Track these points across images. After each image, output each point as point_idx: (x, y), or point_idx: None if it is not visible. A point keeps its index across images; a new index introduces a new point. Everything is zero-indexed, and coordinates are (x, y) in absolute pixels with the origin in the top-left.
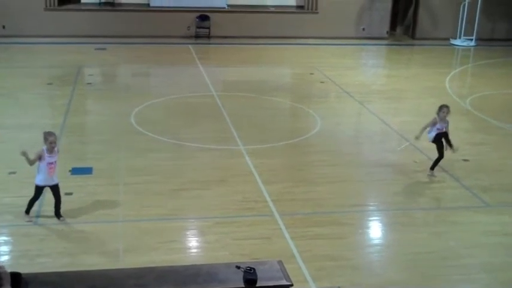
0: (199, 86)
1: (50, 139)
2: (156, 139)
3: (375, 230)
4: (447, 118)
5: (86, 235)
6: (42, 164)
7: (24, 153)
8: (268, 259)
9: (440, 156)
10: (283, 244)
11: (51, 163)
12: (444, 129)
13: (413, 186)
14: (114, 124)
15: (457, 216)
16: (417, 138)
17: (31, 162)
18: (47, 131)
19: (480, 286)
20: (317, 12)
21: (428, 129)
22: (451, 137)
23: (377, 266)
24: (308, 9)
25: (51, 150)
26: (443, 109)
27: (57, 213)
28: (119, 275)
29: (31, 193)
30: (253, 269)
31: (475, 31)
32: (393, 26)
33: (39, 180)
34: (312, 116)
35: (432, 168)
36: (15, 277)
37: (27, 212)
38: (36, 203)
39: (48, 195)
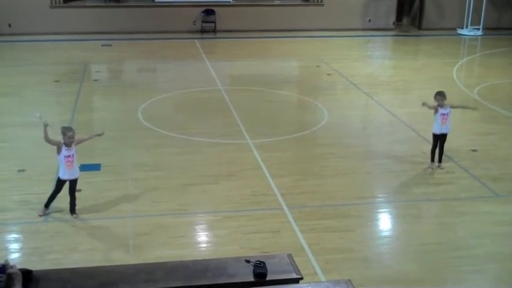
0: (206, 81)
1: (68, 134)
2: (164, 134)
3: (384, 222)
4: (445, 102)
5: (96, 231)
6: (60, 157)
7: (46, 124)
8: (277, 253)
9: (434, 147)
10: (292, 237)
11: (69, 156)
12: (448, 113)
13: (421, 177)
14: (121, 120)
15: (466, 207)
16: (424, 104)
17: (45, 137)
18: (66, 126)
19: (490, 276)
20: (322, 5)
21: (434, 114)
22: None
23: (386, 257)
24: (313, 1)
25: (69, 144)
26: (437, 97)
27: (72, 210)
28: (129, 271)
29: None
30: (263, 262)
31: (481, 20)
32: (399, 16)
33: (62, 173)
34: (319, 108)
35: (432, 160)
36: (27, 274)
37: (47, 206)
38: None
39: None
